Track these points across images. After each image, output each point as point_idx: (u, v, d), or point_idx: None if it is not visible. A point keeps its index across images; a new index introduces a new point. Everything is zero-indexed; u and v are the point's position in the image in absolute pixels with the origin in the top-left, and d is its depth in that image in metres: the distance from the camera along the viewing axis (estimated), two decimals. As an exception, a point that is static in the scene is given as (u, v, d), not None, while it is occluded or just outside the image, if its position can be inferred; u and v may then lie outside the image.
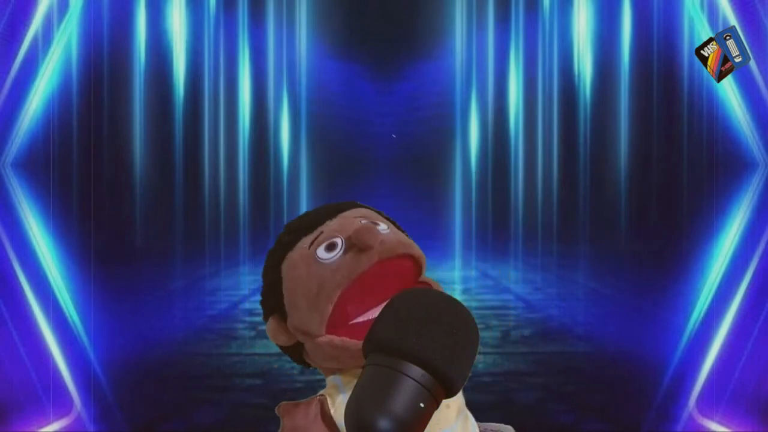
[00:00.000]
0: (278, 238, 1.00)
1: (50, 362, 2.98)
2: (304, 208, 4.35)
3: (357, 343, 0.90)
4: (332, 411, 0.95)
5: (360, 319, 0.94)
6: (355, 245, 0.92)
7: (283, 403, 0.97)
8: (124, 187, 3.44)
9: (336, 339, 0.93)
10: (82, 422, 2.98)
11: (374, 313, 0.92)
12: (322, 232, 0.96)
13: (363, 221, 0.96)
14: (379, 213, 1.03)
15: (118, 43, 3.36)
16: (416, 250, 0.97)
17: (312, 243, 0.95)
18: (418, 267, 0.98)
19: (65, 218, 3.17)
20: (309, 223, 0.98)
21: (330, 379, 0.97)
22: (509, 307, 3.78)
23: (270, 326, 0.98)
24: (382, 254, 0.93)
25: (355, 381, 0.94)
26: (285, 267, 0.96)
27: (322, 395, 0.96)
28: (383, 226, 0.97)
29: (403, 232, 1.03)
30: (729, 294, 3.00)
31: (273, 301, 0.98)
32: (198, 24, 3.82)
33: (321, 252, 0.94)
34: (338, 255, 0.93)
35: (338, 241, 0.94)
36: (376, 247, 0.92)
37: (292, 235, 0.98)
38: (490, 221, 4.24)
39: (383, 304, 0.84)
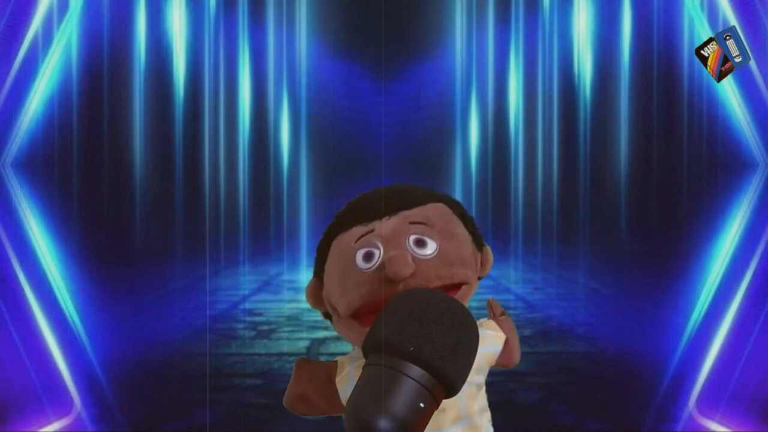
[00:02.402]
0: (339, 213, 1.00)
1: (50, 362, 2.98)
2: (304, 208, 4.35)
3: (362, 328, 0.91)
4: (337, 379, 0.97)
5: None
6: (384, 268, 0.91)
7: (302, 358, 1.02)
8: (124, 187, 3.44)
9: (356, 326, 0.94)
10: (82, 422, 2.98)
11: None
12: (372, 231, 0.95)
13: (412, 238, 0.94)
14: (452, 210, 1.00)
15: (118, 43, 3.36)
16: (457, 277, 0.94)
17: (358, 239, 0.95)
18: (458, 287, 0.95)
19: (65, 218, 3.17)
20: (368, 213, 0.97)
21: (353, 349, 0.99)
22: (509, 307, 3.78)
23: (308, 287, 1.01)
24: (409, 283, 0.90)
25: None
26: (334, 244, 0.97)
27: (335, 360, 0.99)
28: (429, 249, 0.94)
29: (473, 234, 1.00)
30: (729, 294, 3.00)
31: (318, 267, 1.00)
32: (198, 24, 3.82)
33: (359, 258, 0.94)
34: (373, 268, 0.92)
35: (376, 253, 0.93)
36: (401, 274, 0.90)
37: (349, 218, 0.98)
38: (490, 221, 4.24)
39: None
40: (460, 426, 0.95)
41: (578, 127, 3.86)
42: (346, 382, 0.96)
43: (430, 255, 0.93)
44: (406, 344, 0.76)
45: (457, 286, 0.95)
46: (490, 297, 1.08)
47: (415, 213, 0.97)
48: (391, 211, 0.97)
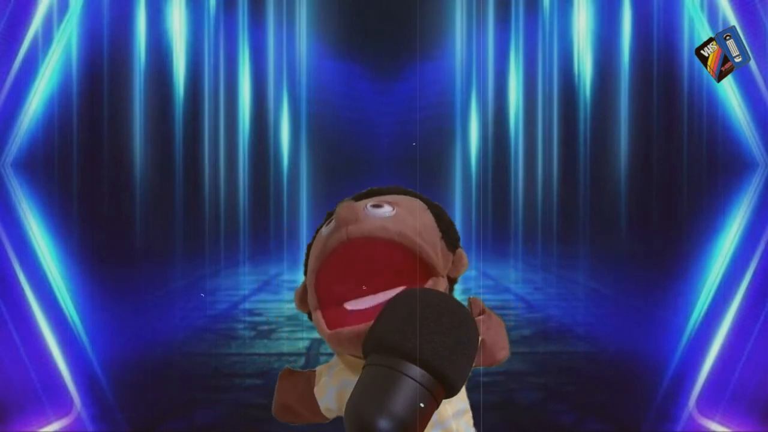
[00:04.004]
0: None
1: (50, 362, 2.98)
2: (304, 208, 4.35)
3: (326, 331, 0.91)
4: (315, 389, 0.98)
5: (353, 306, 0.93)
6: (334, 221, 0.91)
7: (286, 368, 1.03)
8: (124, 187, 3.44)
9: (318, 316, 0.94)
10: (82, 422, 2.98)
11: (368, 302, 0.91)
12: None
13: (370, 203, 0.93)
14: (429, 208, 0.99)
15: (118, 43, 3.36)
16: (406, 239, 0.91)
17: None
18: (411, 259, 0.92)
19: (65, 218, 3.17)
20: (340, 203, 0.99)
21: (333, 357, 0.99)
22: (509, 307, 3.78)
23: (296, 290, 1.01)
24: (352, 233, 0.90)
25: (344, 367, 0.96)
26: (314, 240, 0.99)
27: (314, 370, 1.00)
28: (386, 209, 0.93)
29: (445, 233, 0.98)
30: (729, 294, 3.00)
31: (305, 268, 1.00)
32: (198, 24, 3.82)
33: (323, 228, 0.94)
34: (328, 230, 0.92)
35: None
36: (348, 222, 0.89)
37: (329, 214, 0.99)
38: (490, 221, 4.24)
39: (375, 293, 0.86)
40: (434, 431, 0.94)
41: (578, 127, 3.86)
42: (324, 392, 0.97)
43: (385, 215, 0.92)
44: (406, 344, 0.76)
45: (425, 278, 0.93)
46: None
47: (385, 197, 0.97)
48: (360, 197, 0.98)
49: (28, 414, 2.90)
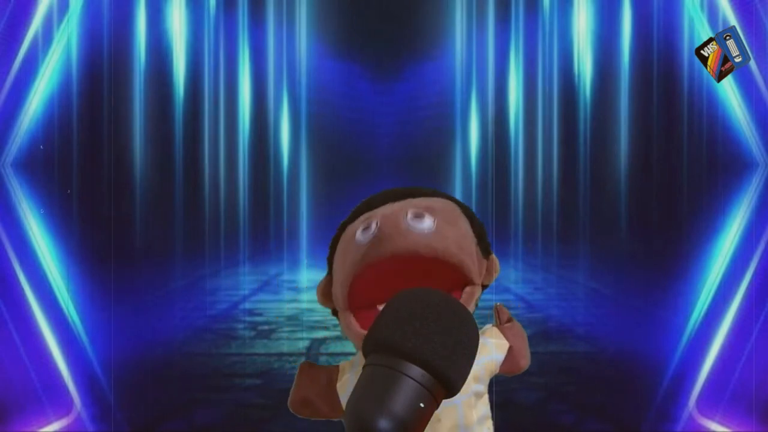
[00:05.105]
0: (352, 210, 1.00)
1: (50, 362, 2.98)
2: (304, 208, 4.35)
3: (359, 331, 0.91)
4: (338, 384, 0.98)
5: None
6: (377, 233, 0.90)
7: (306, 361, 1.02)
8: (124, 187, 3.44)
9: (350, 318, 0.94)
10: (82, 422, 2.98)
11: None
12: (376, 214, 0.94)
13: (410, 214, 0.92)
14: (461, 209, 0.98)
15: (118, 43, 3.36)
16: (452, 256, 0.91)
17: (362, 222, 0.95)
18: (451, 272, 0.92)
19: (65, 218, 3.17)
20: (374, 203, 0.97)
21: (356, 354, 0.99)
22: (509, 307, 3.78)
23: (320, 284, 1.01)
24: (397, 250, 0.89)
25: None
26: (342, 237, 0.98)
27: (337, 366, 1.00)
28: (427, 222, 0.92)
29: (479, 238, 0.98)
30: (729, 294, 3.00)
31: (329, 262, 1.00)
32: (198, 24, 3.82)
33: (358, 234, 0.93)
34: (369, 236, 0.91)
35: (373, 224, 0.92)
36: (392, 238, 0.89)
37: (357, 211, 0.98)
38: (490, 221, 4.24)
39: None
40: None
41: (578, 127, 3.86)
42: (346, 388, 0.97)
43: (426, 229, 0.91)
44: (406, 344, 0.76)
45: (460, 287, 0.94)
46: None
47: (420, 201, 0.96)
48: (395, 199, 0.96)
49: (28, 414, 2.90)
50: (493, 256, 1.00)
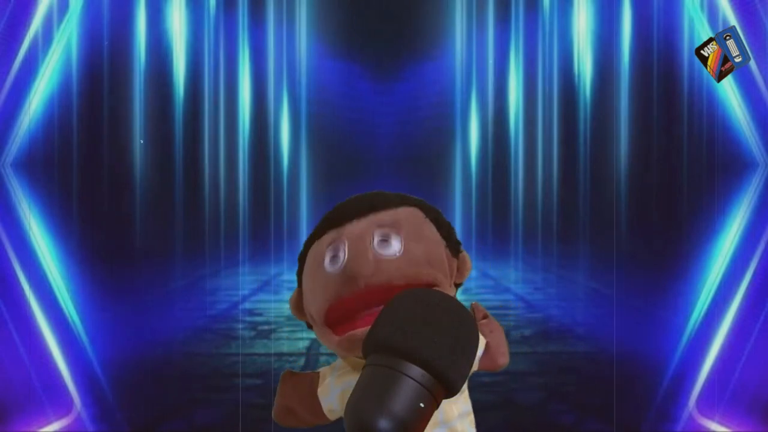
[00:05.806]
0: (319, 222, 1.01)
1: (50, 362, 2.98)
2: (304, 208, 4.35)
3: (334, 338, 0.92)
4: (319, 389, 0.99)
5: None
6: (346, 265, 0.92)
7: (287, 370, 1.04)
8: (124, 187, 3.44)
9: (331, 334, 0.94)
10: (82, 422, 2.98)
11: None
12: (342, 235, 0.95)
13: (377, 239, 0.93)
14: (426, 214, 0.99)
15: (118, 43, 3.36)
16: (423, 277, 0.93)
17: (329, 244, 0.95)
18: (423, 286, 0.93)
19: (65, 218, 3.17)
20: (340, 218, 0.97)
21: (337, 359, 1.00)
22: (509, 307, 3.78)
23: (291, 297, 1.03)
24: (371, 282, 0.91)
25: (350, 369, 0.96)
26: (310, 253, 0.99)
27: (318, 372, 1.01)
28: (393, 248, 0.93)
29: (447, 239, 0.99)
30: (729, 294, 3.00)
31: (299, 276, 1.01)
32: (198, 24, 3.82)
33: (327, 261, 0.95)
34: (338, 268, 0.93)
35: (341, 255, 0.93)
36: (362, 270, 0.90)
37: (323, 225, 0.99)
38: (490, 221, 4.24)
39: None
40: (439, 431, 0.94)
41: (578, 127, 3.86)
42: (328, 393, 0.97)
43: (394, 255, 0.93)
44: (406, 344, 0.76)
45: (429, 287, 0.94)
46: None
47: (385, 215, 0.97)
48: (361, 214, 0.97)
49: (28, 414, 2.90)
50: (463, 253, 1.01)
